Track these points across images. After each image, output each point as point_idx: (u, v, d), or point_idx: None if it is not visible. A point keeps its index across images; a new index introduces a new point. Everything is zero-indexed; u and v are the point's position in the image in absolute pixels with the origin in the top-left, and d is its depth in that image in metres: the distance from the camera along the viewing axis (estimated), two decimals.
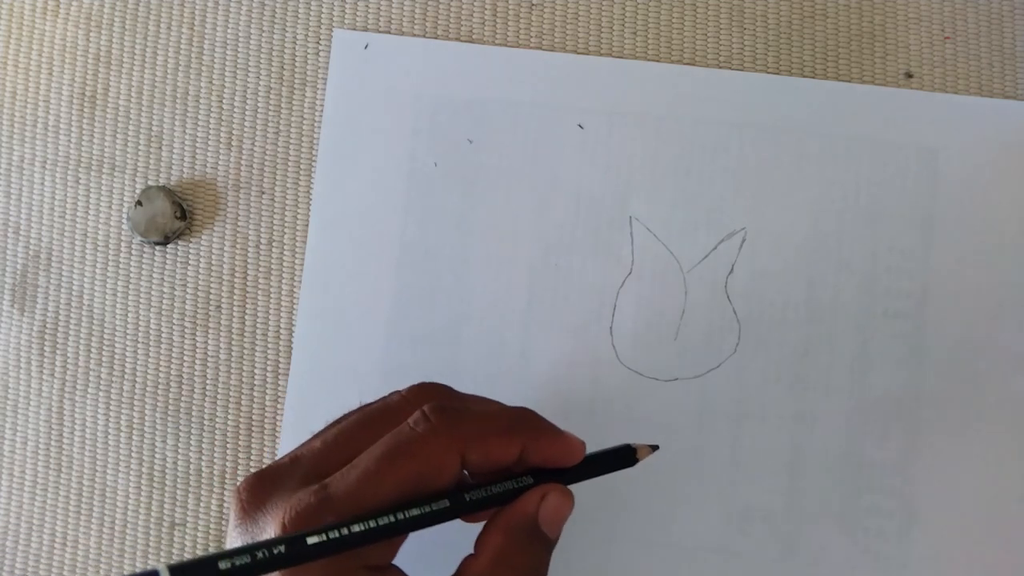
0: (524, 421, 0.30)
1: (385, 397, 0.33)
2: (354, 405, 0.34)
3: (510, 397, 0.37)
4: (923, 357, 0.41)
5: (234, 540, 0.30)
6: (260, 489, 0.30)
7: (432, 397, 0.32)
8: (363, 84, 0.42)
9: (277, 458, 0.34)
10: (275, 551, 0.23)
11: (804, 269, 0.41)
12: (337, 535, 0.25)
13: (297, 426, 0.41)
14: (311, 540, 0.24)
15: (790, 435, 0.40)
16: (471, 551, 0.30)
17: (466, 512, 0.28)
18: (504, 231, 0.42)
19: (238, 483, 0.31)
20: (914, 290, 0.41)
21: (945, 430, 0.40)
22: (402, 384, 0.33)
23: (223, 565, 0.23)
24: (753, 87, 0.42)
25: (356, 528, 0.25)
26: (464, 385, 0.35)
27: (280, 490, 0.29)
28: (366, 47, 0.42)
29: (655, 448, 0.33)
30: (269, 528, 0.28)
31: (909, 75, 0.42)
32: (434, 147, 0.42)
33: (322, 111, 0.42)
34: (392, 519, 0.26)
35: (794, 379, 0.41)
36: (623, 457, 0.32)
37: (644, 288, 0.41)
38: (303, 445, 0.32)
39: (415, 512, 0.26)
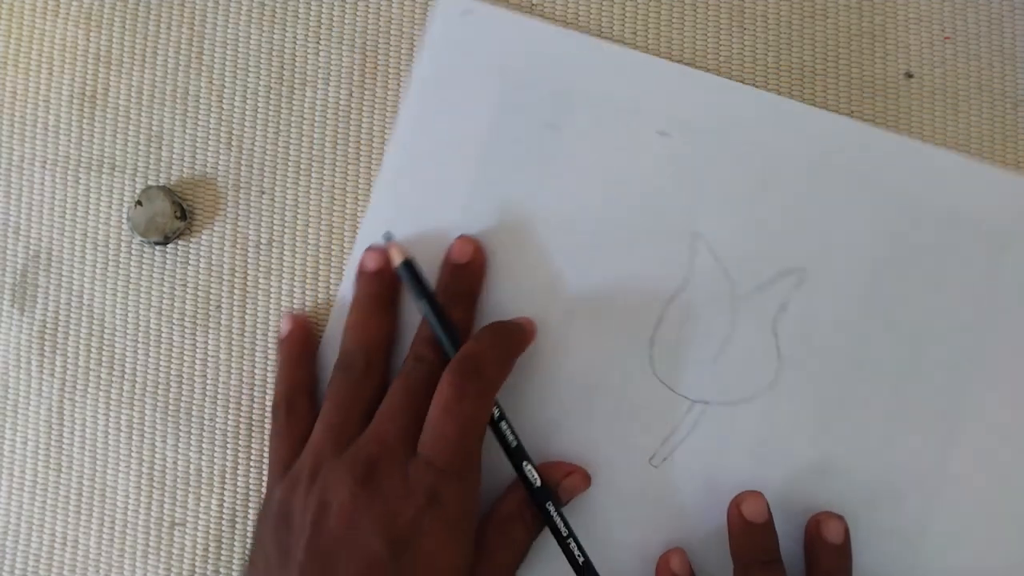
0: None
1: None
2: None
3: (542, 381, 0.41)
4: (957, 434, 0.40)
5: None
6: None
7: None
8: (456, 51, 0.41)
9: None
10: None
11: (855, 323, 0.40)
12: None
13: None
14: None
15: (807, 488, 0.39)
16: None
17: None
18: (564, 220, 0.41)
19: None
20: (961, 365, 0.40)
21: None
22: None
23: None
24: (839, 131, 0.41)
25: None
26: None
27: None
28: (466, 14, 0.42)
29: None
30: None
31: (909, 75, 0.42)
32: (515, 127, 0.41)
33: (323, 110, 0.42)
34: None
35: (822, 430, 0.40)
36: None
37: (694, 305, 0.40)
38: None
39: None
